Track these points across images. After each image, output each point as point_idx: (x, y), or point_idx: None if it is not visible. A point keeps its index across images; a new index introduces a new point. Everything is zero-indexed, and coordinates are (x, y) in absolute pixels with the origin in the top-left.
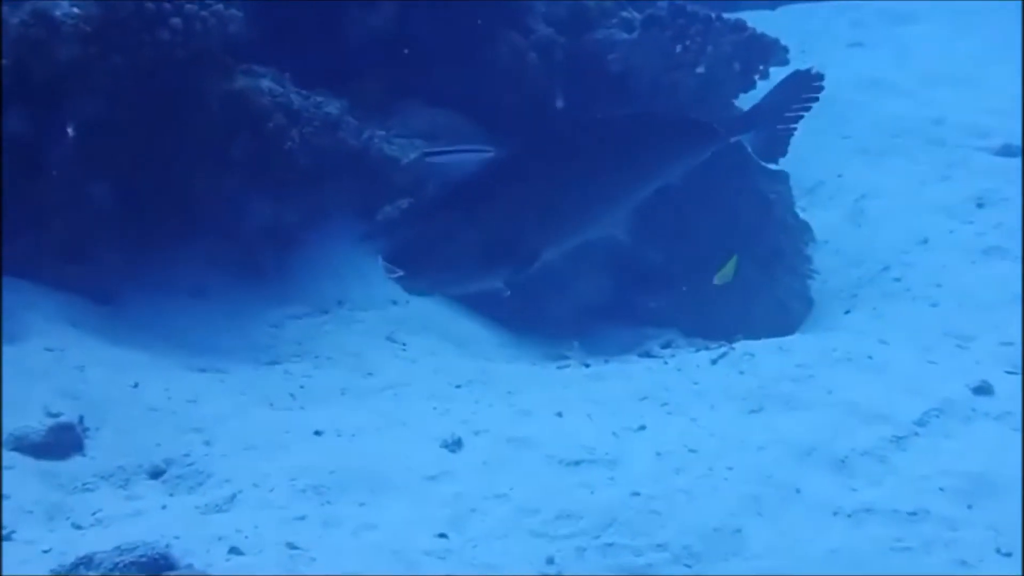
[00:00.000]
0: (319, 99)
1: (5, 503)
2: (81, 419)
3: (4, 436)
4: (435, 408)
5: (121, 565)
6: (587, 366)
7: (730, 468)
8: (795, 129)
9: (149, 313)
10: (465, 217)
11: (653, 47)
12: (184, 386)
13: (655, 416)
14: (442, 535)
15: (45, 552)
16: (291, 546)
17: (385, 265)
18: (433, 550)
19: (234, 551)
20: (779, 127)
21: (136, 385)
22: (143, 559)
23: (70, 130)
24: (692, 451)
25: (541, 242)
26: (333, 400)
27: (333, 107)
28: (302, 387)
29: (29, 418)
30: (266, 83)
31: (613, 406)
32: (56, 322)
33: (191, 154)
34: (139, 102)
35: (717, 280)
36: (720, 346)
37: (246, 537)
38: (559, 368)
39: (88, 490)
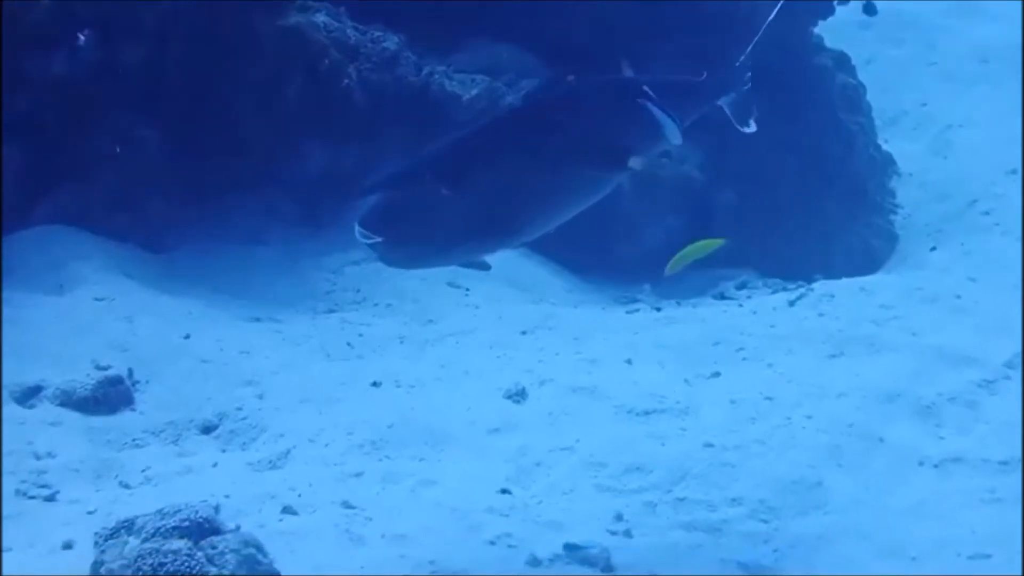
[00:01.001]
0: (377, 34)
1: (51, 461)
2: (131, 372)
3: (51, 391)
4: (498, 357)
5: (163, 530)
6: (658, 310)
7: (809, 417)
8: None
9: (203, 262)
10: (448, 185)
11: None
12: (237, 337)
13: (729, 362)
14: (505, 491)
15: (90, 513)
16: (347, 505)
17: (360, 231)
18: (496, 507)
19: (287, 511)
20: (745, 91)
21: (188, 336)
22: (186, 523)
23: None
24: (768, 399)
25: (525, 218)
26: (392, 349)
27: (391, 42)
28: (360, 336)
29: (77, 371)
30: (321, 18)
31: (685, 352)
32: (107, 271)
33: (244, 96)
34: (188, 41)
35: (668, 270)
36: (798, 287)
37: (299, 496)
38: (629, 313)
39: (137, 446)
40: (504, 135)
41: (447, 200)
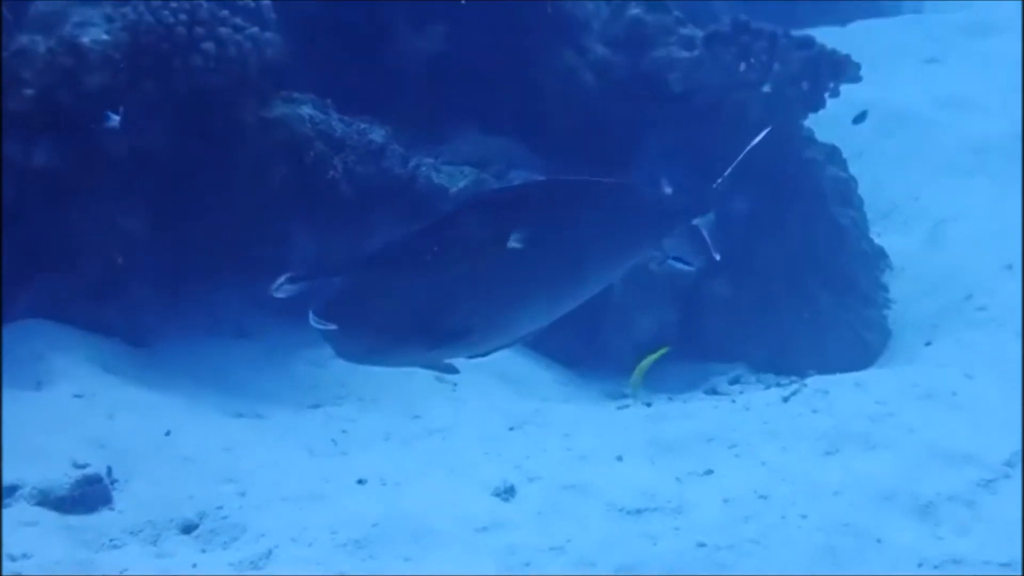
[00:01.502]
0: (363, 125)
1: (26, 563)
2: (109, 470)
3: (27, 489)
4: (486, 452)
5: None
6: (648, 405)
7: (804, 516)
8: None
9: (185, 355)
10: (404, 277)
11: (716, 65)
12: (219, 433)
13: (722, 459)
14: None
15: None
16: None
17: (315, 319)
18: None
19: None
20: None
21: (169, 433)
22: None
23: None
24: (762, 497)
25: (475, 321)
26: (377, 445)
27: (378, 134)
28: (344, 432)
29: (54, 470)
30: (307, 110)
31: (677, 449)
32: (86, 366)
33: (228, 186)
34: (172, 131)
35: (631, 389)
36: (792, 382)
37: None
38: (619, 408)
39: (116, 547)
40: (480, 224)
41: (408, 289)
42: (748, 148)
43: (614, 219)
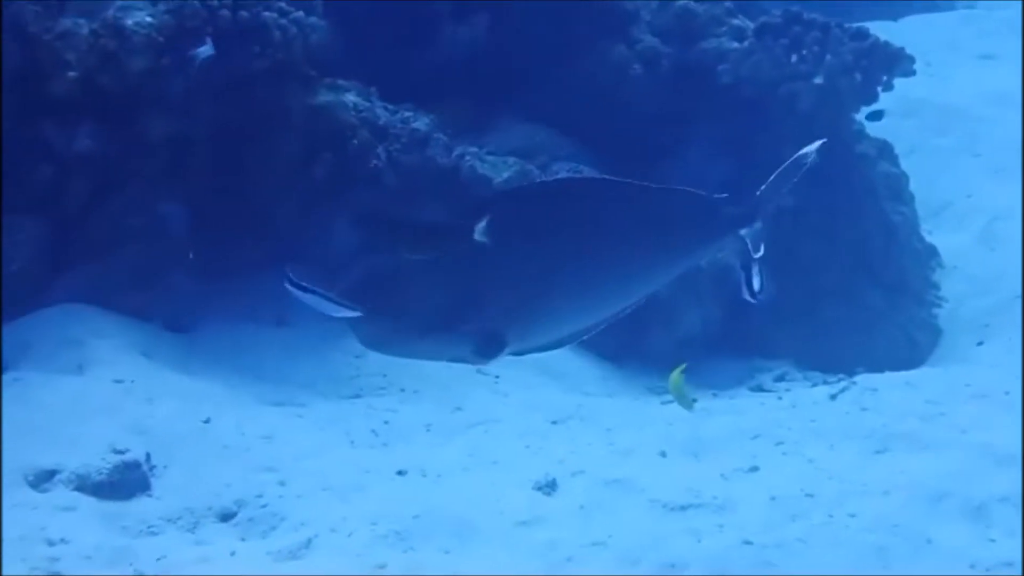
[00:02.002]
0: (407, 114)
1: (63, 548)
2: (148, 456)
3: (66, 474)
4: (528, 446)
5: None
6: (694, 401)
7: (852, 515)
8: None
9: (225, 342)
10: (438, 265)
11: (766, 57)
12: (259, 421)
13: (768, 456)
14: None
15: None
16: None
17: (339, 301)
18: None
19: None
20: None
21: (208, 420)
22: None
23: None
24: (809, 496)
25: (509, 319)
26: (418, 437)
27: (422, 123)
28: (385, 423)
29: (92, 455)
30: (351, 97)
31: (722, 445)
32: (126, 351)
33: (270, 173)
34: (215, 117)
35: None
36: (839, 380)
37: None
38: (663, 403)
39: (153, 534)
40: (521, 218)
41: (438, 275)
42: (798, 157)
43: (662, 225)
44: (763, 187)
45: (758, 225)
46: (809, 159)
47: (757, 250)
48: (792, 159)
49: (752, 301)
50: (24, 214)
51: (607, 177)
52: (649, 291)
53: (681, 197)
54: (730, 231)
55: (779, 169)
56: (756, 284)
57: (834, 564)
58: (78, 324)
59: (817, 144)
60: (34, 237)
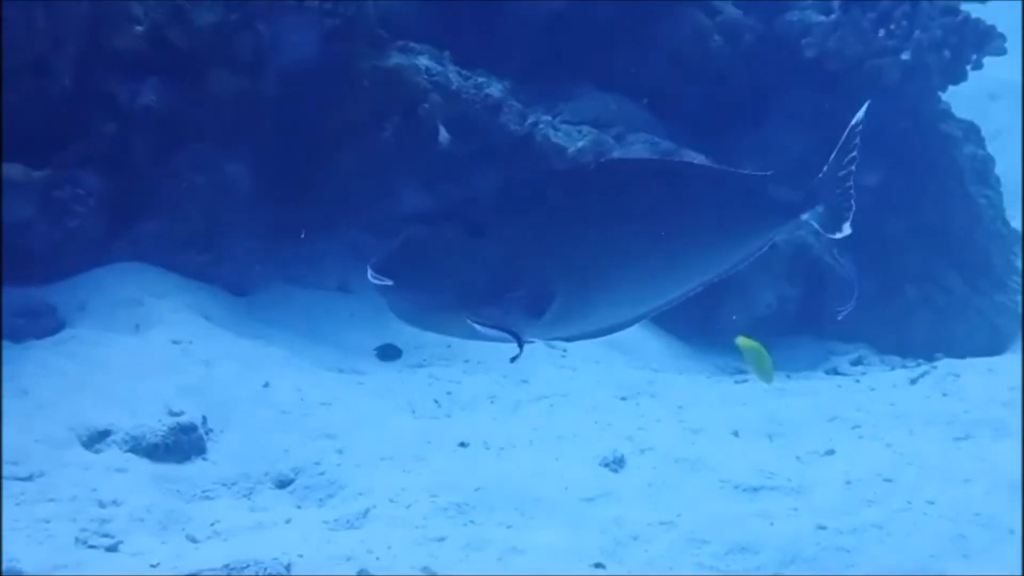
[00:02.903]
0: (481, 79)
1: (115, 510)
2: (204, 419)
3: (120, 435)
4: (596, 422)
5: None
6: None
7: (931, 502)
8: (851, 187)
9: (286, 306)
10: (483, 238)
11: (853, 31)
12: (319, 387)
13: (845, 439)
14: (598, 565)
15: (153, 567)
16: (427, 571)
17: (373, 274)
18: None
19: (363, 574)
20: (838, 194)
21: (267, 384)
22: None
23: None
24: (887, 480)
25: (555, 290)
26: (482, 409)
27: (495, 88)
28: (448, 393)
29: (148, 417)
30: (423, 60)
31: (797, 426)
32: (185, 312)
33: (338, 135)
34: (282, 75)
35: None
36: (919, 364)
37: (377, 558)
38: (736, 383)
39: (207, 498)
40: (573, 194)
41: (481, 249)
42: (851, 128)
43: (721, 210)
44: (823, 169)
45: (820, 209)
46: (860, 127)
47: (833, 231)
48: (846, 132)
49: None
50: (84, 169)
51: (662, 159)
52: (704, 279)
53: (739, 181)
54: (790, 217)
55: (836, 148)
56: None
57: (912, 551)
58: (137, 284)
59: (863, 109)
60: (94, 193)
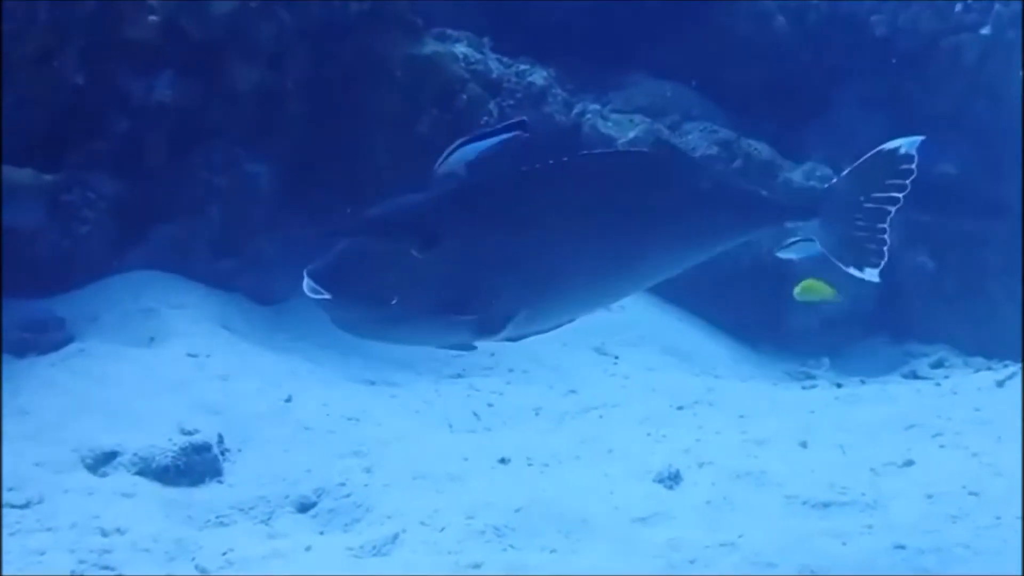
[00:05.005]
0: (523, 67)
1: (118, 539)
2: (220, 438)
3: (128, 456)
4: (649, 434)
5: None
6: (839, 387)
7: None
8: (884, 230)
9: (312, 314)
10: (424, 244)
11: (927, 6)
12: (347, 401)
13: (925, 449)
14: None
15: None
16: None
17: (309, 284)
18: None
19: None
20: (858, 223)
21: (289, 399)
22: None
23: None
24: (973, 494)
25: (516, 302)
26: (525, 422)
27: (539, 76)
28: (489, 405)
29: (158, 436)
30: (461, 48)
31: (872, 436)
32: (202, 323)
33: (368, 130)
34: (308, 66)
35: (798, 294)
36: (1005, 366)
37: None
38: (804, 389)
39: (221, 524)
40: (522, 191)
41: (414, 262)
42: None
43: (681, 204)
44: (832, 181)
45: (815, 223)
46: (900, 152)
47: (849, 264)
48: (873, 152)
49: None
50: (96, 171)
51: (628, 150)
52: (664, 275)
53: (714, 176)
54: (769, 222)
55: (851, 166)
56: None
57: (1002, 572)
58: (152, 292)
59: (914, 141)
60: (107, 196)
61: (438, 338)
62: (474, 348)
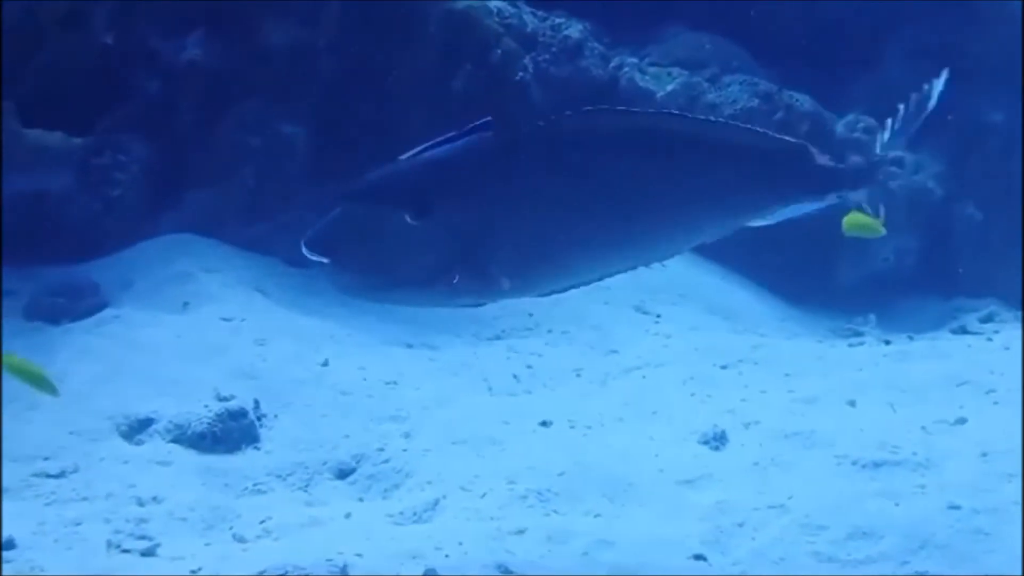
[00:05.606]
0: (558, 20)
1: (155, 508)
2: (257, 404)
3: (163, 424)
4: (693, 394)
5: None
6: (887, 343)
7: None
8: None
9: None
10: (419, 209)
11: None
12: (384, 365)
13: (978, 406)
14: (699, 557)
15: (194, 572)
16: (503, 569)
17: (305, 250)
18: None
19: (431, 573)
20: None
21: (326, 363)
22: None
23: None
24: None
25: (508, 268)
26: (566, 383)
27: (575, 30)
28: (529, 367)
29: (193, 402)
30: (495, 2)
31: (922, 393)
32: (237, 287)
33: (403, 88)
34: (340, 24)
35: (846, 228)
36: None
37: (447, 556)
38: (851, 346)
39: (259, 492)
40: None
41: (410, 227)
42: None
43: (708, 175)
44: (882, 141)
45: (862, 193)
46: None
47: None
48: (916, 99)
49: None
50: (126, 133)
51: (632, 111)
52: (688, 242)
53: (738, 137)
54: (807, 193)
55: (899, 117)
56: None
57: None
58: (186, 257)
59: (944, 77)
60: (138, 159)
61: (439, 301)
62: (483, 304)
